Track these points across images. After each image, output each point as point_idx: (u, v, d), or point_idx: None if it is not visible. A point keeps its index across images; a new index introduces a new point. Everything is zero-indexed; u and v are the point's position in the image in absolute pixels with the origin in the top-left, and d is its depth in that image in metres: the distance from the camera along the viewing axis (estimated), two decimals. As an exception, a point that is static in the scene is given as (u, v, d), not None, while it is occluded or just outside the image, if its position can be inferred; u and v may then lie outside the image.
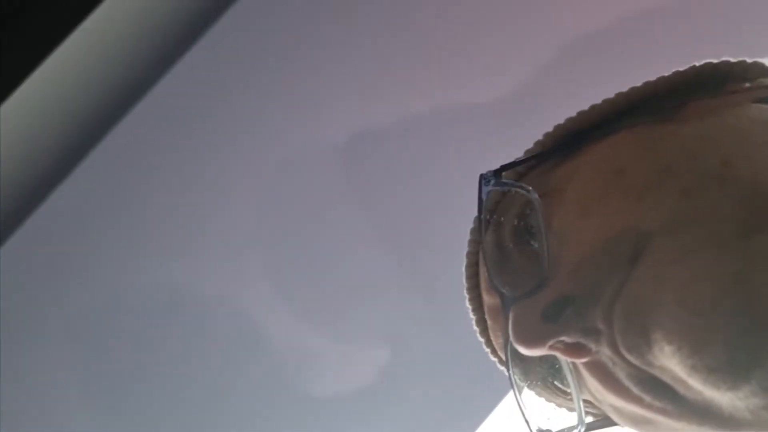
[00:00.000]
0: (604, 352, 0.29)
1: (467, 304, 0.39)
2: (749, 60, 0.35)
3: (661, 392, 0.28)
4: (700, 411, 0.28)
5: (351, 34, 0.70)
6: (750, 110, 0.32)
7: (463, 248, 0.64)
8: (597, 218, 0.30)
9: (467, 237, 0.63)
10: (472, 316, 0.39)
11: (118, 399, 0.70)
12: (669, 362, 0.27)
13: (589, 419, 0.35)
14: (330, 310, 0.70)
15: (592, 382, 0.31)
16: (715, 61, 0.35)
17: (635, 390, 0.29)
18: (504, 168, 0.36)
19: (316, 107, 0.70)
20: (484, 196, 0.35)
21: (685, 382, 0.27)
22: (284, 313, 0.70)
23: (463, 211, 0.66)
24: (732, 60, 0.35)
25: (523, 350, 0.30)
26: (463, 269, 0.39)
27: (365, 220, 0.71)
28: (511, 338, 0.30)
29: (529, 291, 0.31)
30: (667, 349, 0.26)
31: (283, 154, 0.71)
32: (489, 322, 0.37)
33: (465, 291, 0.39)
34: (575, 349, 0.29)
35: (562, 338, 0.29)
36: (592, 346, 0.29)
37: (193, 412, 0.70)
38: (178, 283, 0.71)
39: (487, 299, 0.36)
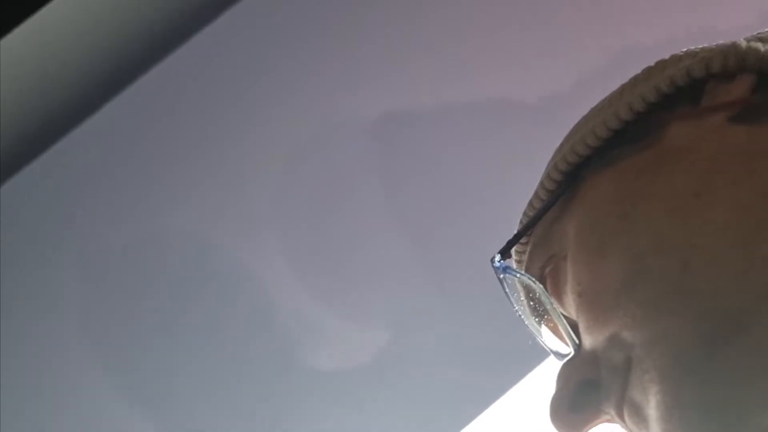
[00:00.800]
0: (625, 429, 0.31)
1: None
2: (742, 44, 0.30)
3: None
4: None
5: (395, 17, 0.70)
6: (723, 144, 0.29)
7: (480, 244, 0.61)
8: (592, 316, 0.30)
9: (485, 232, 0.61)
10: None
11: (118, 341, 0.73)
12: None
13: None
14: (340, 286, 0.71)
15: None
16: (689, 57, 0.32)
17: None
18: (511, 244, 0.35)
19: (354, 86, 0.70)
20: (501, 280, 0.35)
21: None
22: (294, 280, 0.71)
23: (483, 207, 0.66)
24: (709, 52, 0.31)
25: None
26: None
27: (388, 203, 0.71)
28: (551, 425, 0.33)
29: (566, 355, 0.33)
30: None
31: (317, 126, 0.71)
32: None
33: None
34: (609, 420, 0.32)
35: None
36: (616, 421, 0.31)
37: (191, 365, 0.72)
38: (193, 237, 0.72)
39: None
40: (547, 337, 0.36)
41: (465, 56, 0.69)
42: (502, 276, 0.35)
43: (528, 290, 0.35)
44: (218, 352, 0.72)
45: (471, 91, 0.69)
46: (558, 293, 0.33)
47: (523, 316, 0.36)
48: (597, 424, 0.32)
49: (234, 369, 0.72)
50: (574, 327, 0.32)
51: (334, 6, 0.71)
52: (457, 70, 0.69)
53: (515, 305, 0.36)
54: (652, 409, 0.27)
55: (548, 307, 0.32)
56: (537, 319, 0.36)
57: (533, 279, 0.33)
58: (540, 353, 0.68)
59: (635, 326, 0.28)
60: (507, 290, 0.36)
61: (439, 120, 0.69)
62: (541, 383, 0.69)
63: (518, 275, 0.34)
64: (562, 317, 0.32)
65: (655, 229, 0.28)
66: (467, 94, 0.69)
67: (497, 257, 0.35)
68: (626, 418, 0.29)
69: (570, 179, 0.34)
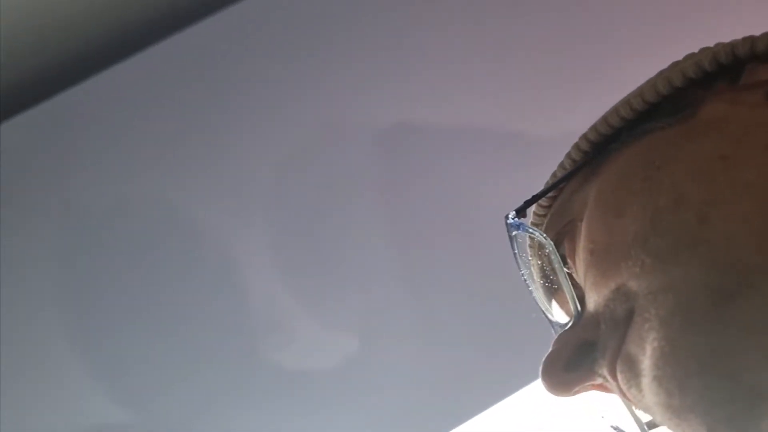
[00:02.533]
0: (618, 395, 0.30)
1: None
2: None
3: None
4: None
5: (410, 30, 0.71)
6: (752, 130, 0.29)
7: (467, 266, 0.66)
8: (601, 269, 0.30)
9: (477, 246, 0.64)
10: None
11: (86, 306, 0.70)
12: None
13: None
14: (320, 288, 0.70)
15: None
16: (728, 41, 0.32)
17: None
18: (528, 203, 0.34)
19: (360, 92, 0.71)
20: (512, 238, 0.34)
21: None
22: (275, 276, 0.70)
23: (475, 227, 0.66)
24: (754, 36, 0.31)
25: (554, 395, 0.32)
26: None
27: (380, 211, 0.70)
28: (542, 383, 0.32)
29: (564, 325, 0.32)
30: (658, 416, 0.27)
31: (320, 126, 0.71)
32: None
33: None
34: (600, 387, 0.31)
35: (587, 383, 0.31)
36: (608, 384, 0.30)
37: (158, 343, 0.70)
38: (180, 216, 0.71)
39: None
40: (548, 305, 0.35)
41: (474, 74, 0.70)
42: (514, 233, 0.34)
43: (539, 250, 0.34)
44: (186, 335, 0.69)
45: (475, 110, 0.70)
46: (572, 257, 0.33)
47: (528, 281, 0.35)
48: (588, 387, 0.31)
49: (199, 355, 0.69)
50: (581, 298, 0.31)
51: (349, 12, 0.72)
52: (464, 88, 0.70)
53: (522, 268, 0.35)
54: (648, 357, 0.26)
55: (556, 265, 0.32)
56: (544, 282, 0.35)
57: (545, 236, 0.33)
58: (514, 382, 0.69)
59: (643, 275, 0.27)
60: (516, 250, 0.35)
61: (439, 134, 0.70)
62: (513, 412, 0.67)
63: (531, 231, 0.33)
64: (569, 279, 0.32)
65: (677, 188, 0.28)
66: (471, 113, 0.70)
67: (512, 214, 0.34)
68: (619, 374, 0.28)
69: (597, 151, 0.34)
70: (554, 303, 0.35)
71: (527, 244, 0.35)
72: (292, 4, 0.72)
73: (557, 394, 0.31)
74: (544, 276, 0.35)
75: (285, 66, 0.72)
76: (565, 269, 0.32)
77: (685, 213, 0.27)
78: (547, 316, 0.35)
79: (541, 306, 0.35)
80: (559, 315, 0.35)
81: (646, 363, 0.26)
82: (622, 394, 0.29)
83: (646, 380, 0.26)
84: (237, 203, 0.70)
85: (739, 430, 0.25)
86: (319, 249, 0.70)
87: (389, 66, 0.71)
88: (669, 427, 0.27)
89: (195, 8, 0.72)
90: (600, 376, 0.30)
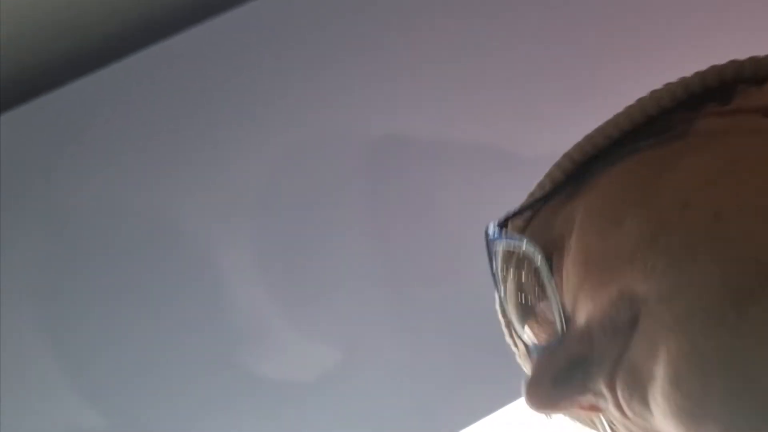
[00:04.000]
0: (612, 412, 0.29)
1: (507, 340, 0.39)
2: (761, 55, 0.31)
3: None
4: None
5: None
6: (756, 137, 0.29)
7: (455, 268, 0.65)
8: (596, 278, 0.28)
9: (463, 257, 0.63)
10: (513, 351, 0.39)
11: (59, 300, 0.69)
12: None
13: None
14: (301, 295, 0.69)
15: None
16: (720, 63, 0.32)
17: None
18: (510, 216, 0.33)
19: (352, 99, 0.70)
20: (492, 253, 0.33)
21: None
22: (255, 280, 0.69)
23: (464, 230, 0.63)
24: (740, 60, 0.32)
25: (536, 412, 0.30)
26: (497, 308, 0.38)
27: (366, 218, 0.69)
28: (528, 404, 0.30)
29: (547, 346, 0.31)
30: (665, 425, 0.25)
31: (313, 131, 0.71)
32: None
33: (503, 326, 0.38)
34: (590, 407, 0.29)
35: (576, 401, 0.29)
36: (602, 405, 0.29)
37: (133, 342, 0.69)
38: (166, 216, 0.70)
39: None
40: (521, 327, 0.34)
41: (466, 86, 0.70)
42: (498, 241, 0.33)
43: (517, 264, 0.34)
44: (160, 335, 0.68)
45: (465, 122, 0.69)
46: (557, 274, 0.32)
47: (503, 298, 0.34)
48: (576, 405, 0.30)
49: (182, 360, 0.68)
50: (566, 315, 0.30)
51: (341, 19, 0.71)
52: (455, 99, 0.70)
53: (500, 285, 0.34)
54: (662, 361, 0.25)
55: (544, 277, 0.31)
56: (519, 300, 0.34)
57: (534, 246, 0.31)
58: (499, 397, 0.68)
59: (653, 276, 0.26)
60: (495, 267, 0.34)
61: (428, 145, 0.69)
62: (496, 428, 0.66)
63: (517, 240, 0.32)
64: (557, 293, 0.30)
65: (683, 194, 0.27)
66: (461, 124, 0.69)
67: (491, 226, 0.33)
68: (619, 386, 0.27)
69: (580, 171, 0.33)
70: (527, 328, 0.34)
71: (500, 259, 0.34)
72: (284, 12, 0.72)
73: (542, 411, 0.30)
74: (521, 292, 0.34)
75: (276, 73, 0.71)
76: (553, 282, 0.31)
77: (697, 211, 0.26)
78: (523, 337, 0.34)
79: (516, 326, 0.34)
80: (532, 338, 0.34)
81: (659, 367, 0.25)
82: (620, 410, 0.28)
83: (658, 386, 0.25)
84: (223, 208, 0.70)
85: None
86: (304, 256, 0.69)
87: (380, 75, 0.70)
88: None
89: (190, 12, 0.72)
90: (593, 392, 0.28)
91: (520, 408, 0.64)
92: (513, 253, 0.33)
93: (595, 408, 0.29)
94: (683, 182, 0.27)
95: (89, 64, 0.71)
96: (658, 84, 0.34)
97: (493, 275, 0.34)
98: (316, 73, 0.70)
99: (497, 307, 0.37)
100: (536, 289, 0.33)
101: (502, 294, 0.34)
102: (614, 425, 0.32)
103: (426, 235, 0.68)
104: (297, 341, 0.69)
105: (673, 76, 0.34)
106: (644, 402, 0.26)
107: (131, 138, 0.70)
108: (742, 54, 0.33)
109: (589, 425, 0.35)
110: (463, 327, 0.67)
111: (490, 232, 0.33)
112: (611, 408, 0.28)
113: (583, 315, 0.29)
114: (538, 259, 0.31)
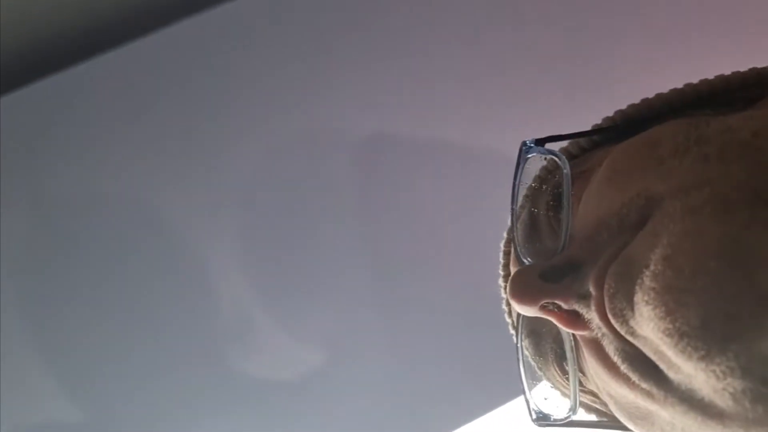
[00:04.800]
0: (594, 321, 0.27)
1: (500, 282, 0.39)
2: None
3: (646, 370, 0.26)
4: (683, 395, 0.25)
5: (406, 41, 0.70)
6: None
7: (444, 271, 0.65)
8: (617, 186, 0.29)
9: (452, 261, 0.63)
10: (503, 295, 0.39)
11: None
12: (647, 327, 0.25)
13: (592, 416, 0.34)
14: (288, 295, 0.68)
15: (591, 362, 0.29)
16: None
17: (622, 367, 0.27)
18: (548, 139, 0.35)
19: (342, 96, 0.69)
20: (522, 163, 0.35)
21: (666, 355, 0.25)
22: (242, 276, 0.68)
23: (453, 233, 0.65)
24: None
25: (517, 306, 0.29)
26: (501, 245, 0.38)
27: (355, 220, 0.69)
28: (508, 292, 0.29)
29: (546, 258, 0.30)
30: (645, 310, 0.24)
31: (299, 131, 0.69)
32: None
33: (500, 268, 0.38)
34: (571, 318, 0.28)
35: (558, 302, 0.28)
36: (584, 312, 0.27)
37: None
38: (155, 211, 0.69)
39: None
40: (527, 242, 0.35)
41: (458, 88, 0.70)
42: (533, 150, 0.34)
43: (544, 177, 0.35)
44: (142, 329, 0.67)
45: (457, 124, 0.69)
46: (576, 198, 0.32)
47: (516, 210, 0.35)
48: (556, 303, 0.28)
49: (165, 356, 0.67)
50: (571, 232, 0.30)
51: (335, 18, 0.71)
52: (447, 101, 0.70)
53: (517, 197, 0.35)
54: (659, 247, 0.25)
55: (565, 185, 0.31)
56: (530, 209, 0.35)
57: (563, 157, 0.32)
58: (484, 403, 0.66)
59: (677, 174, 0.26)
60: (519, 174, 0.35)
61: (419, 148, 0.69)
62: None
63: (548, 151, 0.33)
64: (570, 207, 0.31)
65: (726, 121, 0.28)
66: (452, 126, 0.69)
67: (530, 140, 0.35)
68: (608, 279, 0.26)
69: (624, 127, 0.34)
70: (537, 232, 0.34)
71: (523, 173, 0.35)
72: (275, 7, 0.71)
73: (521, 301, 0.29)
74: (534, 202, 0.34)
75: (269, 70, 0.70)
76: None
77: (737, 132, 0.27)
78: (522, 247, 0.34)
79: (519, 246, 0.34)
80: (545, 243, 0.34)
81: (657, 251, 0.25)
82: (600, 312, 0.27)
83: (650, 269, 0.25)
84: (213, 207, 0.69)
85: (732, 333, 0.23)
86: (292, 258, 0.68)
87: (370, 71, 0.70)
88: (655, 317, 0.24)
89: (180, 6, 0.71)
90: (578, 296, 0.27)
91: (513, 410, 0.63)
92: (542, 167, 0.35)
93: (573, 321, 0.28)
94: (729, 118, 0.29)
95: (75, 54, 0.70)
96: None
97: (514, 187, 0.35)
98: (306, 69, 0.70)
99: (506, 232, 0.37)
100: (551, 202, 0.33)
101: (517, 206, 0.35)
102: (584, 369, 0.31)
103: (417, 233, 0.68)
104: (284, 339, 0.68)
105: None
106: (629, 296, 0.25)
107: (120, 128, 0.69)
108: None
109: (557, 378, 0.35)
110: (454, 325, 0.66)
111: (527, 142, 0.35)
112: (593, 313, 0.27)
113: (589, 223, 0.29)
114: (566, 167, 0.32)
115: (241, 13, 0.70)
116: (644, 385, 0.27)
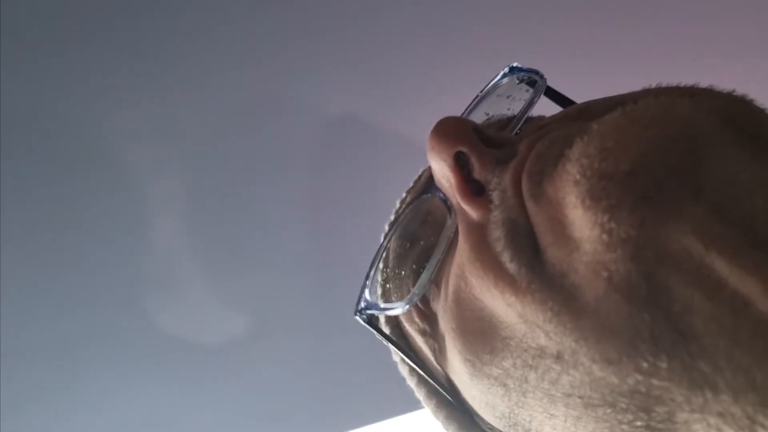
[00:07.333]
0: (500, 186, 0.25)
1: (397, 203, 0.36)
2: None
3: (523, 247, 0.23)
4: (551, 279, 0.22)
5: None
6: None
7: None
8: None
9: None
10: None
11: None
12: (563, 176, 0.22)
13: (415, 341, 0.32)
14: (224, 257, 0.66)
15: (462, 253, 0.26)
16: None
17: (499, 245, 0.24)
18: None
19: (311, 74, 0.68)
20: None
21: (562, 221, 0.22)
22: (179, 223, 0.66)
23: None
24: None
25: (434, 144, 0.27)
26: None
27: (304, 195, 0.68)
28: (432, 130, 0.27)
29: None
30: (575, 150, 0.22)
31: (273, 102, 0.68)
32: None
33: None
34: (471, 189, 0.26)
35: (475, 159, 0.26)
36: (491, 181, 0.25)
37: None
38: (102, 140, 0.65)
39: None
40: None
41: (429, 81, 0.69)
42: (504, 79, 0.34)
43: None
44: (63, 253, 0.63)
45: (425, 118, 0.68)
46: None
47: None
48: (470, 164, 0.26)
49: (66, 280, 0.63)
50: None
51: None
52: (423, 94, 0.69)
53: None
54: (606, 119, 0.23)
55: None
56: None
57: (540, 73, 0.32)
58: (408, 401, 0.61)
59: None
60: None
61: (380, 135, 0.68)
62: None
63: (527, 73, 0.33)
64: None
65: None
66: (420, 119, 0.68)
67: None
68: (543, 141, 0.24)
69: None
70: None
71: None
72: None
73: (443, 138, 0.26)
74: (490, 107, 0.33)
75: (240, 31, 0.68)
76: None
77: None
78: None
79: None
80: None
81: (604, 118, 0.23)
82: (518, 170, 0.24)
83: (594, 128, 0.23)
84: (161, 149, 0.66)
85: (652, 197, 0.20)
86: (233, 222, 0.67)
87: (342, 54, 0.69)
88: (583, 154, 0.22)
89: None
90: (496, 160, 0.25)
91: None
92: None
93: (469, 195, 0.26)
94: None
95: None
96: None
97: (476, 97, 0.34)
98: (282, 38, 0.68)
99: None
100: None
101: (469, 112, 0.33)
102: (440, 279, 0.29)
103: (365, 220, 0.64)
104: (210, 298, 0.65)
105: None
106: (557, 155, 0.23)
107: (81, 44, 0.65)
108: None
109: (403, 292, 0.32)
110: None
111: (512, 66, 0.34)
112: (505, 173, 0.25)
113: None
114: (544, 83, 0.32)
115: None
116: (512, 268, 0.23)
